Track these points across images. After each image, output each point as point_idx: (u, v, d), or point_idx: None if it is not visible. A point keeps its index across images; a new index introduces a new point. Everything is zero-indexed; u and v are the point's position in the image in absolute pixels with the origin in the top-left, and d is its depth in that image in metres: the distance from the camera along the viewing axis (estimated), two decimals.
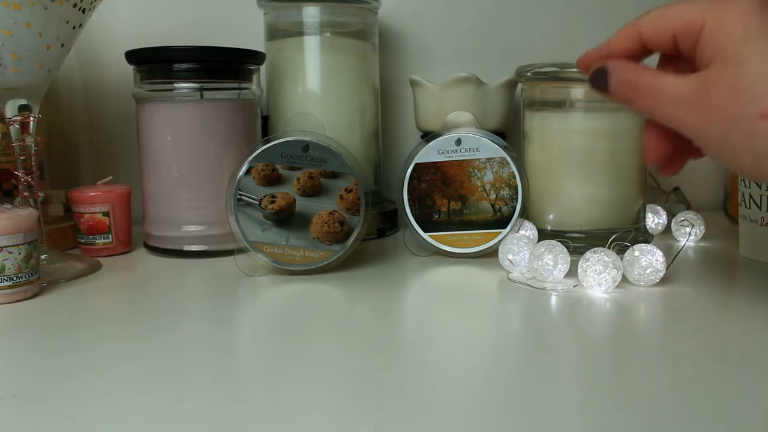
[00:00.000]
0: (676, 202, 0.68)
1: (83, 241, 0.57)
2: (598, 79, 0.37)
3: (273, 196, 0.48)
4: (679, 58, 0.35)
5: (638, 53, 0.36)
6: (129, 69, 0.56)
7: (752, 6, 0.31)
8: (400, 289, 0.47)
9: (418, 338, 0.37)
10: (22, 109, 0.48)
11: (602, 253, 0.43)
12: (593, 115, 0.53)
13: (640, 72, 0.35)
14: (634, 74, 0.35)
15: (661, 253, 0.44)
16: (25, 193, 0.49)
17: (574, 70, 0.53)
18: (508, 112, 0.64)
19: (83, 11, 0.47)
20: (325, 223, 0.48)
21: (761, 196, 0.51)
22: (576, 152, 0.53)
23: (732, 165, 0.34)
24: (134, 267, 0.54)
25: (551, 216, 0.55)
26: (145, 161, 0.56)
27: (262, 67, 0.59)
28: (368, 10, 0.63)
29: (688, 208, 0.67)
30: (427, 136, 0.56)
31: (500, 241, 0.51)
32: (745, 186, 0.52)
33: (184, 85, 0.53)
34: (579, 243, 0.50)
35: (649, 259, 0.44)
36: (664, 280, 0.45)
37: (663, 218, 0.61)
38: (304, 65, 0.61)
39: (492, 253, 0.52)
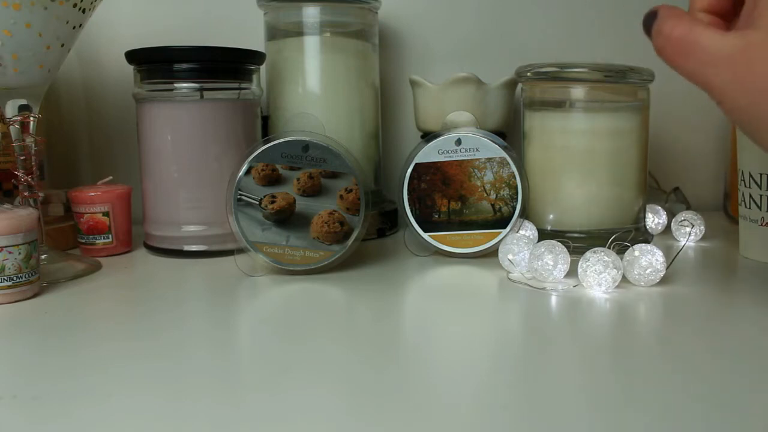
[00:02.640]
0: (676, 202, 0.68)
1: (83, 241, 0.57)
2: (645, 23, 0.34)
3: (273, 196, 0.48)
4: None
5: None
6: (129, 69, 0.56)
7: None
8: (400, 289, 0.47)
9: (418, 338, 0.37)
10: (22, 109, 0.48)
11: (602, 253, 0.43)
12: (593, 115, 0.53)
13: (679, 21, 0.32)
14: (671, 23, 0.32)
15: (661, 253, 0.44)
16: (25, 193, 0.49)
17: (574, 70, 0.53)
18: (508, 112, 0.64)
19: (83, 11, 0.47)
20: (325, 223, 0.48)
21: (761, 196, 0.51)
22: (576, 152, 0.53)
23: (753, 135, 0.32)
24: (134, 267, 0.54)
25: (551, 216, 0.55)
26: (145, 161, 0.56)
27: (262, 67, 0.59)
28: (368, 10, 0.63)
29: (688, 208, 0.67)
30: (427, 136, 0.56)
31: (500, 241, 0.51)
32: (745, 186, 0.52)
33: (184, 85, 0.53)
34: (579, 243, 0.50)
35: (649, 259, 0.44)
36: (664, 280, 0.45)
37: (663, 218, 0.61)
38: (304, 65, 0.61)
39: (492, 253, 0.52)
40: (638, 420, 0.26)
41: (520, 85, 0.60)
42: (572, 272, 0.45)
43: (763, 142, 0.32)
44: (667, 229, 0.61)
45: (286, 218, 0.48)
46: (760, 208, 0.51)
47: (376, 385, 0.30)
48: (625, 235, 0.51)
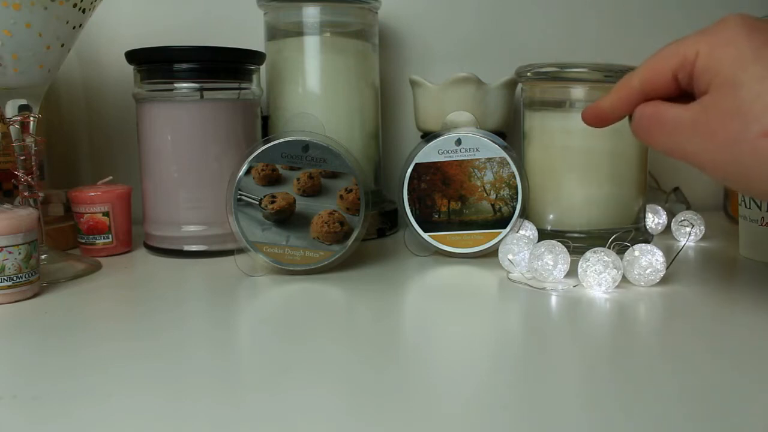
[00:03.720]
0: (676, 202, 0.68)
1: (83, 241, 0.57)
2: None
3: (273, 196, 0.48)
4: (678, 99, 0.36)
5: (638, 103, 0.38)
6: (129, 69, 0.56)
7: (741, 31, 0.33)
8: (400, 289, 0.47)
9: (418, 338, 0.37)
10: (22, 109, 0.48)
11: (602, 253, 0.43)
12: None
13: (648, 104, 0.37)
14: (642, 106, 0.37)
15: (661, 253, 0.44)
16: (25, 193, 0.49)
17: (574, 70, 0.53)
18: (508, 112, 0.64)
19: (83, 11, 0.47)
20: (325, 223, 0.48)
21: None
22: (576, 152, 0.53)
23: (742, 188, 0.35)
24: (134, 267, 0.54)
25: (551, 216, 0.55)
26: (145, 161, 0.56)
27: (262, 67, 0.59)
28: (368, 10, 0.63)
29: (688, 208, 0.67)
30: (427, 136, 0.56)
31: (500, 241, 0.51)
32: None
33: (184, 85, 0.53)
34: (579, 243, 0.50)
35: (649, 259, 0.44)
36: (664, 280, 0.45)
37: (663, 218, 0.61)
38: (304, 65, 0.61)
39: (492, 253, 0.52)
40: (638, 420, 0.26)
41: (520, 85, 0.60)
42: (572, 272, 0.45)
43: (754, 191, 0.34)
44: (667, 229, 0.61)
45: (286, 218, 0.48)
46: (760, 208, 0.51)
47: (376, 385, 0.30)
48: (625, 235, 0.51)
